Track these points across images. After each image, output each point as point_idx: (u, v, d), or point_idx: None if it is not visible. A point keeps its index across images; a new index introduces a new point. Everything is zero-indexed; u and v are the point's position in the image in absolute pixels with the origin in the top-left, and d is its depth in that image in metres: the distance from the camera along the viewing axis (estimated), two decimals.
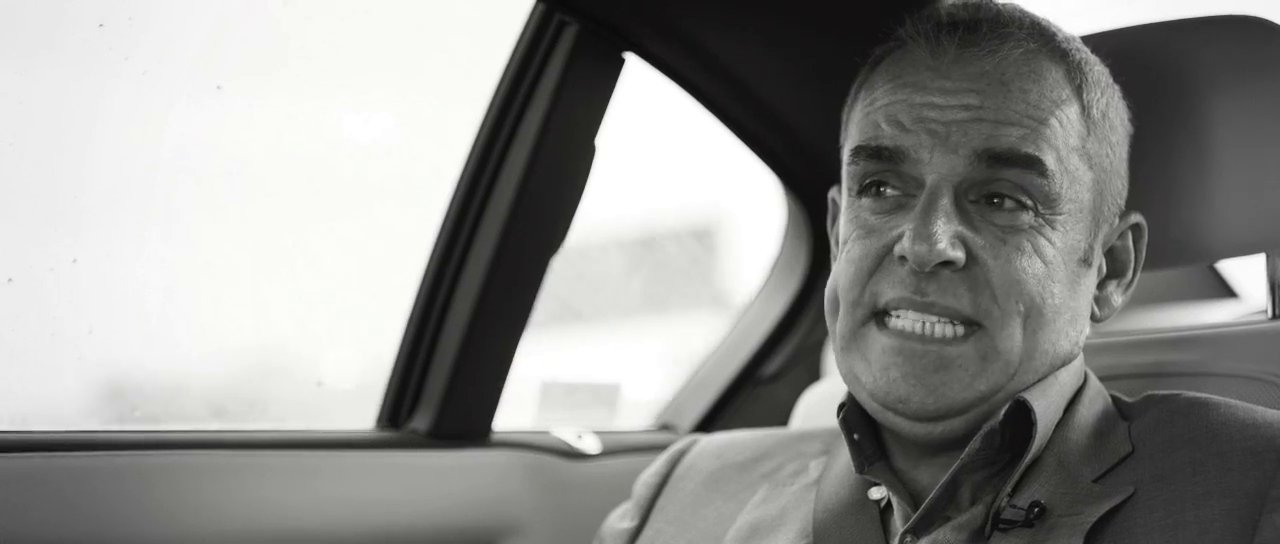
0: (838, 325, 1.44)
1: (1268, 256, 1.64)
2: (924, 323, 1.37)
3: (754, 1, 2.04)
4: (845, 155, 1.46)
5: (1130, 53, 1.64)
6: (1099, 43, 1.66)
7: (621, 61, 2.05)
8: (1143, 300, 2.27)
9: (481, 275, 2.02)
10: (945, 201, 1.37)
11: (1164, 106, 1.62)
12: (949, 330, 1.37)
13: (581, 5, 1.95)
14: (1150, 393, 1.46)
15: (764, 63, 2.13)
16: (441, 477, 2.04)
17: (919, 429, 1.40)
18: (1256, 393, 1.54)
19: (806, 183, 2.35)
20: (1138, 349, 1.69)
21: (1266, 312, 1.66)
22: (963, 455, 1.37)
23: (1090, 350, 1.69)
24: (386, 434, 2.07)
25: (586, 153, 2.05)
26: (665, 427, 2.50)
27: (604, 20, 1.98)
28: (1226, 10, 1.62)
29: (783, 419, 2.10)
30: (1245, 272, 2.42)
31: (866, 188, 1.43)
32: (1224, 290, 2.48)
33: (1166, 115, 1.62)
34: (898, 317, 1.39)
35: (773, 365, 2.52)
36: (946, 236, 1.35)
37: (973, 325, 1.37)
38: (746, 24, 2.08)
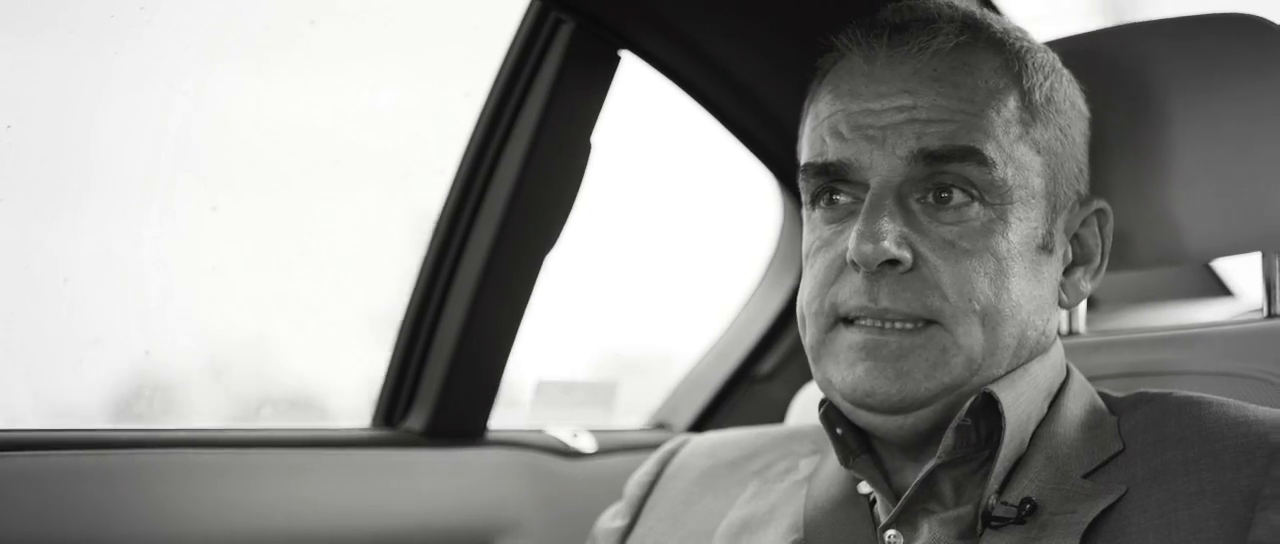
0: (808, 339, 1.46)
1: (1263, 255, 1.64)
2: (883, 325, 1.39)
3: (751, 1, 2.04)
4: (800, 172, 1.48)
5: (1128, 50, 1.64)
6: (1097, 40, 1.67)
7: (617, 59, 2.04)
8: (1139, 298, 2.27)
9: (477, 274, 2.02)
10: (888, 202, 1.38)
11: (1161, 104, 1.62)
12: (907, 327, 1.38)
13: (577, 3, 1.95)
14: (1142, 391, 1.46)
15: (761, 62, 2.13)
16: (437, 475, 2.04)
17: (891, 423, 1.40)
18: (1253, 391, 1.54)
19: None
20: (1133, 348, 1.69)
21: (1262, 310, 1.66)
22: (938, 453, 1.37)
23: (1085, 349, 1.69)
24: (382, 433, 2.07)
25: (582, 151, 2.05)
26: (660, 425, 2.50)
27: (600, 18, 1.97)
28: (1224, 9, 1.62)
29: (778, 417, 2.10)
30: (1241, 270, 2.42)
31: (817, 198, 1.46)
32: (1220, 288, 2.48)
33: (1163, 113, 1.62)
34: (860, 322, 1.40)
35: (767, 364, 2.51)
36: (890, 235, 1.36)
37: (928, 322, 1.38)
38: (743, 23, 2.07)
